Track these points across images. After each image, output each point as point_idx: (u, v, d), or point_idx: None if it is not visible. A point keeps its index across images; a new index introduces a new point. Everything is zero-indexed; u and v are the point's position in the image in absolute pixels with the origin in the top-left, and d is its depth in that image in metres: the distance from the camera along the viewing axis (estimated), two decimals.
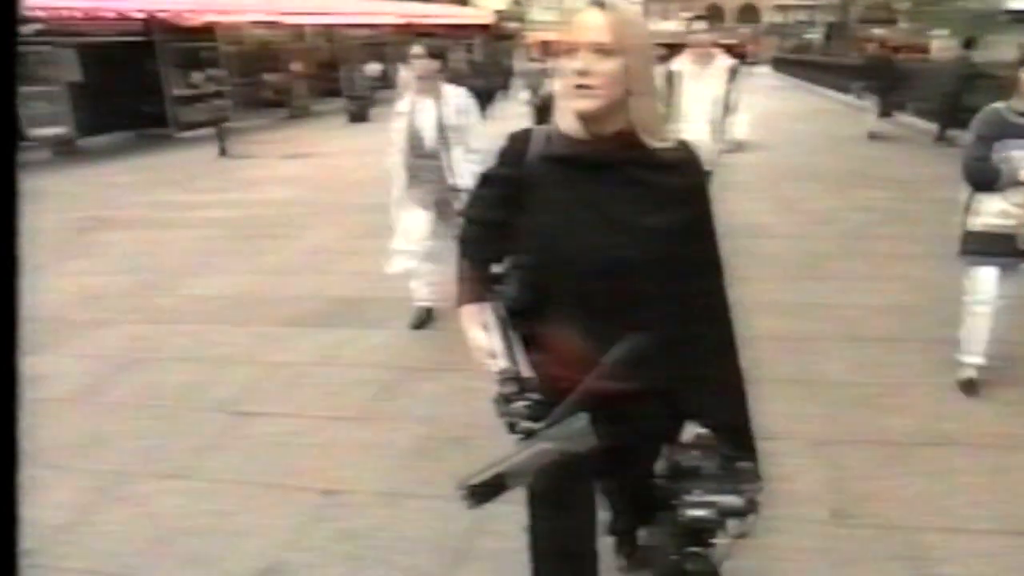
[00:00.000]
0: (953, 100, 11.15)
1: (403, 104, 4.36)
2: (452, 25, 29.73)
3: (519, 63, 23.54)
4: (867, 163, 10.24)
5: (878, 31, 34.75)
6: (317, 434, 3.36)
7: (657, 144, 1.45)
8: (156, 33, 16.58)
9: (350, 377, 3.91)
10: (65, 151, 14.54)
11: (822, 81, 23.27)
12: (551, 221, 1.47)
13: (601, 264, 1.43)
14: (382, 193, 4.72)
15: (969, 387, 3.48)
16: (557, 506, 1.64)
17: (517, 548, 1.79)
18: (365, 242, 6.12)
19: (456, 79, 5.15)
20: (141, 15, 15.80)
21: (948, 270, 3.81)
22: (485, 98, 10.37)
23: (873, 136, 12.36)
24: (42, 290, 5.64)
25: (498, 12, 36.47)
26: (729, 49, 5.83)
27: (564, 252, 1.46)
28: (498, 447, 1.38)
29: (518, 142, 1.57)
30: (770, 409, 3.22)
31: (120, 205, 9.35)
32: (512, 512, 1.70)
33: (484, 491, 1.28)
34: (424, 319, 4.49)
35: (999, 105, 3.33)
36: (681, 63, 5.23)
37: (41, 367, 4.24)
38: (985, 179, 3.28)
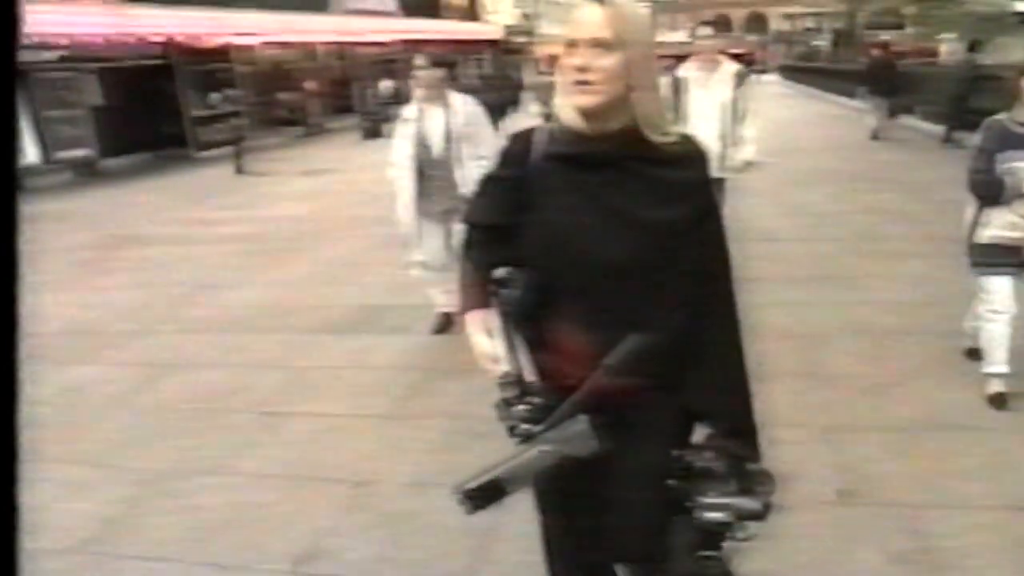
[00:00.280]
0: (959, 103, 11.26)
1: (410, 111, 4.34)
2: (462, 41, 30.15)
3: (529, 76, 23.80)
4: (874, 166, 10.37)
5: (886, 36, 34.85)
6: (348, 431, 3.55)
7: (660, 138, 1.44)
8: (174, 56, 16.99)
9: (376, 379, 4.10)
10: (88, 172, 14.93)
11: (829, 87, 23.39)
12: (557, 219, 1.46)
13: (609, 260, 1.42)
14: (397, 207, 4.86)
15: (998, 401, 3.35)
16: (566, 507, 1.64)
17: None
18: (383, 254, 6.32)
19: (469, 94, 5.25)
20: (160, 39, 16.20)
21: (952, 268, 3.94)
22: (498, 112, 10.58)
23: (875, 138, 12.61)
24: (77, 305, 5.91)
25: (507, 27, 36.89)
26: (737, 58, 5.72)
27: (572, 249, 1.44)
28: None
29: (520, 142, 1.56)
30: (779, 400, 3.42)
31: (145, 223, 9.62)
32: None
33: (482, 496, 1.27)
34: (444, 325, 4.64)
35: (1001, 116, 3.32)
36: (687, 70, 5.16)
37: (82, 375, 4.48)
38: (990, 192, 3.27)
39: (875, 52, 14.56)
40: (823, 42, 43.18)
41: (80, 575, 2.63)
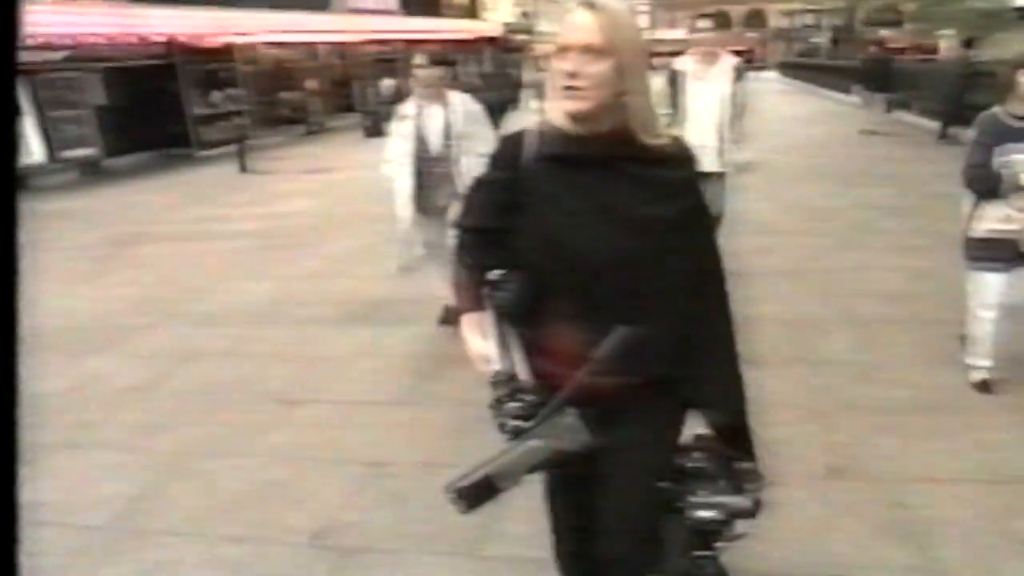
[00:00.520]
0: (955, 99, 11.40)
1: (408, 107, 4.31)
2: (461, 39, 30.26)
3: (528, 74, 23.92)
4: (870, 162, 10.51)
5: (885, 33, 34.97)
6: (360, 417, 3.70)
7: (651, 141, 1.46)
8: (177, 56, 17.11)
9: (387, 367, 4.25)
10: (92, 172, 15.06)
11: (828, 84, 23.51)
12: (550, 219, 1.47)
13: (602, 259, 1.43)
14: None
15: (983, 387, 3.51)
16: (571, 502, 1.70)
17: None
18: (388, 249, 6.44)
19: (470, 91, 5.32)
20: (162, 39, 16.33)
21: (944, 260, 4.11)
22: (498, 110, 10.70)
23: (873, 132, 12.89)
24: (90, 299, 6.06)
25: (507, 25, 37.00)
26: (736, 54, 5.53)
27: (564, 249, 1.45)
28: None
29: (511, 144, 1.56)
30: (774, 384, 3.59)
31: (152, 221, 9.77)
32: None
33: (474, 493, 1.27)
34: (450, 316, 4.74)
35: (996, 109, 3.32)
36: (684, 63, 4.99)
37: (99, 366, 4.63)
38: (986, 185, 3.27)
39: (871, 49, 14.83)
40: (822, 39, 43.30)
41: (110, 550, 2.77)
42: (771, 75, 35.79)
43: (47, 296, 6.11)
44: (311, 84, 21.74)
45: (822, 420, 3.35)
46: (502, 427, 1.37)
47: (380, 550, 2.64)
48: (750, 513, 1.44)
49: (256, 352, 4.68)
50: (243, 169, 14.03)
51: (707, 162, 4.60)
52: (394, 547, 2.65)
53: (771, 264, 5.60)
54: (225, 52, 18.58)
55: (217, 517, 2.94)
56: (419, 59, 4.25)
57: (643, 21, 52.62)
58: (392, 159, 4.35)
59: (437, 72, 4.25)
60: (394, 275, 4.66)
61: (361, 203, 9.52)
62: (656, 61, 7.65)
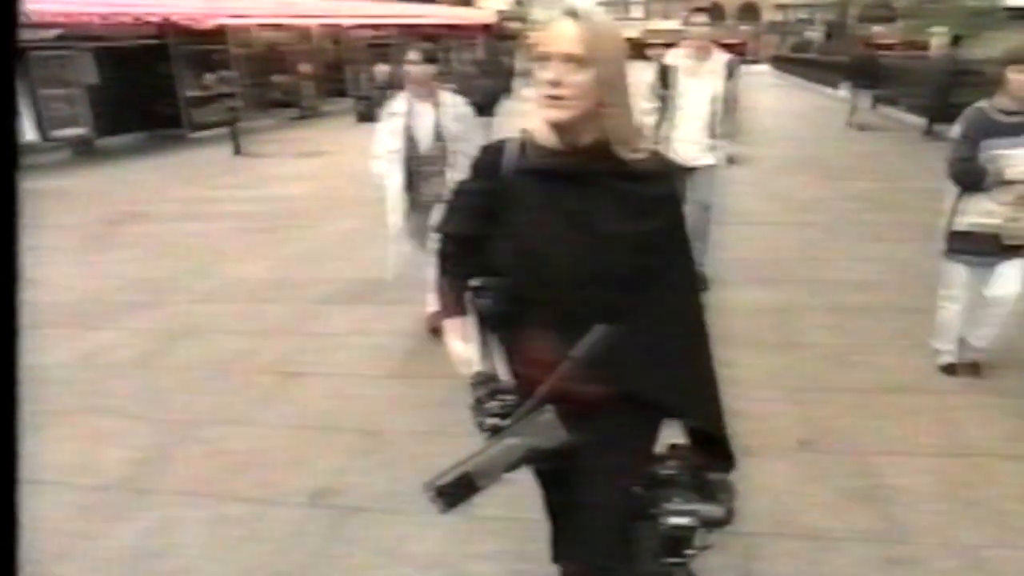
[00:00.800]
0: (941, 96, 11.62)
1: (398, 104, 4.23)
2: (455, 26, 30.24)
3: (521, 63, 23.97)
4: (857, 156, 10.73)
5: (877, 29, 35.20)
6: (357, 389, 3.86)
7: (630, 155, 1.46)
8: (170, 37, 17.08)
9: (382, 343, 4.40)
10: (84, 151, 15.05)
11: (819, 79, 23.73)
12: (527, 231, 1.48)
13: (577, 271, 1.44)
14: None
15: (949, 370, 3.68)
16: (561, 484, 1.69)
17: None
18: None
19: (464, 79, 5.35)
20: (156, 19, 16.29)
21: (923, 251, 4.28)
22: (492, 98, 10.79)
23: (862, 127, 13.27)
24: (90, 276, 6.17)
25: (500, 12, 36.94)
26: (730, 47, 5.46)
27: (541, 260, 1.47)
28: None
29: (492, 154, 1.57)
30: (754, 365, 3.78)
31: (146, 200, 9.82)
32: None
33: (452, 492, 1.27)
34: (438, 324, 4.61)
35: (983, 104, 3.34)
36: (675, 57, 4.84)
37: (102, 339, 4.76)
38: (971, 179, 3.30)
39: (859, 45, 15.21)
40: (816, 34, 43.51)
41: (120, 508, 2.92)
42: (763, 68, 35.94)
43: (47, 272, 6.21)
44: (304, 68, 21.69)
45: (797, 398, 3.53)
46: (480, 426, 1.38)
47: (376, 509, 2.80)
48: (722, 522, 1.45)
49: (254, 328, 4.81)
50: (236, 151, 14.07)
51: (697, 157, 4.76)
52: (389, 507, 2.80)
53: (755, 253, 5.78)
54: (218, 34, 18.54)
55: (221, 479, 3.09)
56: (412, 55, 4.17)
57: (638, 11, 52.63)
58: (381, 156, 4.27)
59: (430, 70, 4.18)
60: (390, 280, 4.56)
61: (355, 187, 9.58)
62: (650, 52, 7.79)
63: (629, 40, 1.83)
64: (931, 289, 3.98)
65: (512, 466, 1.33)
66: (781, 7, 55.27)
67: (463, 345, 1.57)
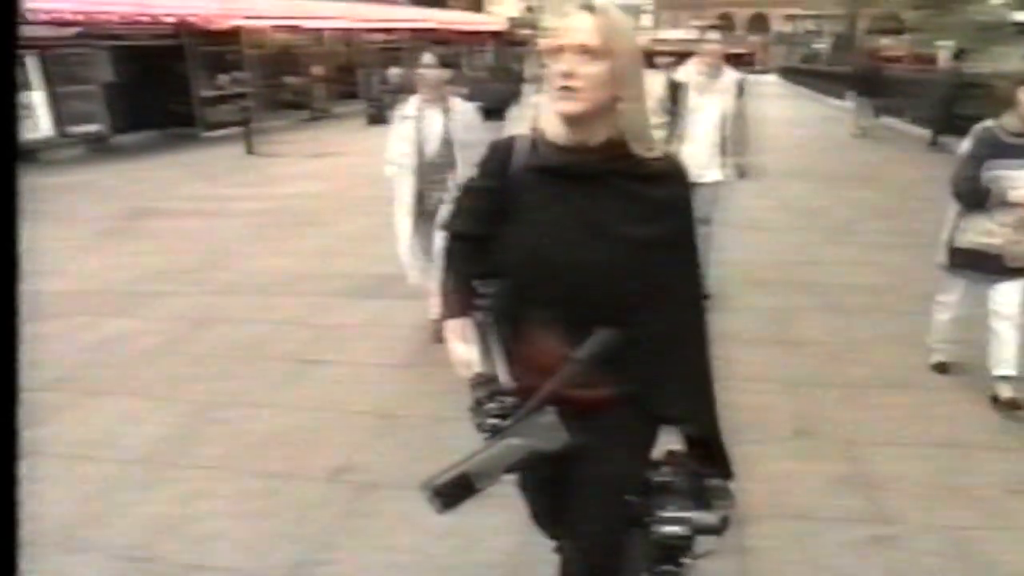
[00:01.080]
0: (945, 108, 11.79)
1: (409, 108, 4.23)
2: (466, 31, 30.52)
3: (530, 69, 24.20)
4: (861, 166, 10.88)
5: (886, 41, 35.34)
6: (371, 376, 4.03)
7: (644, 152, 1.44)
8: (185, 37, 17.36)
9: (395, 335, 4.57)
10: (100, 147, 15.30)
11: (826, 90, 23.89)
12: (534, 231, 1.46)
13: (583, 273, 1.42)
14: None
15: (940, 368, 3.81)
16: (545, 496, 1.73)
17: None
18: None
19: (476, 83, 5.35)
20: (172, 20, 16.56)
21: (920, 258, 4.42)
22: (503, 102, 10.97)
23: (863, 136, 13.69)
24: (108, 267, 6.36)
25: (511, 19, 37.23)
26: (738, 58, 5.47)
27: (546, 261, 1.44)
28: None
29: (501, 152, 1.55)
30: (753, 361, 3.94)
31: (162, 197, 10.03)
32: None
33: (451, 492, 1.25)
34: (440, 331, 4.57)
35: (991, 123, 3.33)
36: (687, 73, 4.85)
37: (124, 326, 4.94)
38: (973, 199, 3.31)
39: (862, 57, 15.60)
40: (824, 45, 43.66)
41: (148, 481, 3.08)
42: (771, 79, 36.17)
43: (68, 263, 6.41)
44: (316, 70, 22.00)
45: (793, 392, 3.69)
46: (480, 426, 1.36)
47: (392, 486, 2.96)
48: (716, 530, 1.43)
49: (272, 318, 4.98)
50: (249, 151, 14.29)
51: (703, 173, 4.62)
52: (405, 483, 2.94)
53: (757, 257, 5.94)
54: (233, 35, 18.82)
55: (243, 456, 3.25)
56: (427, 59, 4.17)
57: (646, 20, 52.85)
58: (393, 160, 4.28)
59: (444, 75, 4.19)
60: (410, 284, 4.52)
61: (367, 187, 9.78)
62: (659, 60, 7.96)
63: None
64: (927, 294, 4.12)
65: (511, 468, 1.32)
66: (790, 18, 55.50)
67: (464, 346, 1.55)
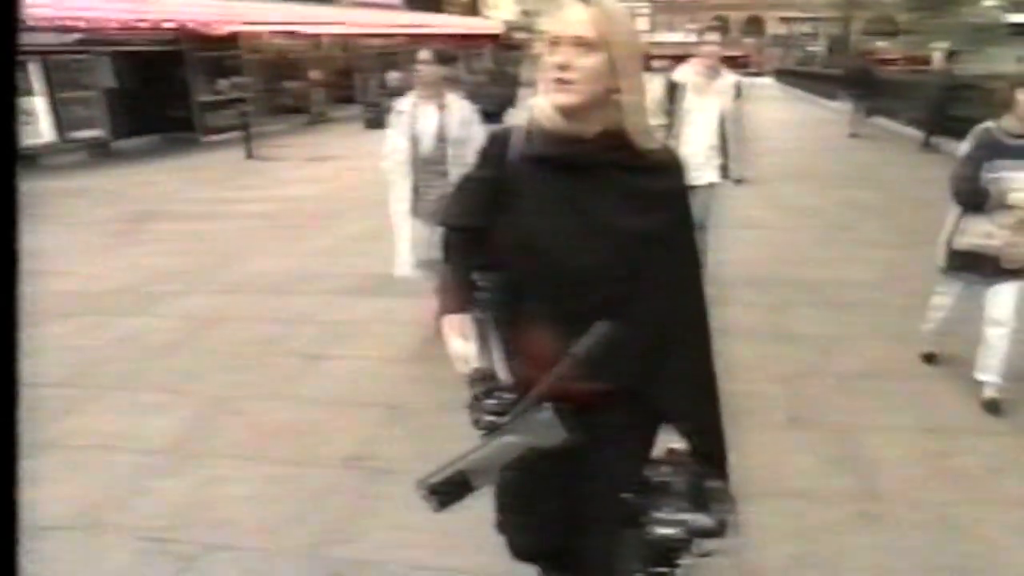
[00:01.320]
0: (938, 109, 11.96)
1: (404, 103, 4.24)
2: (463, 36, 30.68)
3: (526, 73, 24.40)
4: (854, 166, 11.05)
5: (880, 43, 35.64)
6: (379, 370, 4.16)
7: (641, 144, 1.43)
8: (185, 43, 17.49)
9: (401, 331, 4.70)
10: (100, 152, 15.42)
11: (821, 92, 24.08)
12: (530, 222, 1.45)
13: (579, 265, 1.41)
14: None
15: (930, 359, 3.95)
16: (522, 507, 1.73)
17: None
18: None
19: (475, 86, 5.38)
20: (172, 25, 16.70)
21: (911, 256, 4.56)
22: (502, 105, 11.11)
23: (854, 136, 14.04)
24: (117, 269, 6.48)
25: (507, 23, 37.43)
26: (734, 60, 5.45)
27: (542, 252, 1.43)
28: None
29: (498, 143, 1.54)
30: (748, 354, 4.08)
31: (166, 200, 10.15)
32: None
33: (447, 491, 1.24)
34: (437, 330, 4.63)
35: (990, 124, 3.33)
36: (684, 74, 4.86)
37: (136, 325, 5.06)
38: (973, 200, 3.31)
39: (854, 59, 15.99)
40: (819, 47, 43.96)
41: (170, 468, 3.21)
42: (767, 81, 36.37)
43: (77, 265, 6.54)
44: (314, 75, 22.15)
45: (786, 382, 3.83)
46: (477, 423, 1.35)
47: (404, 471, 3.07)
48: (713, 532, 1.40)
49: (279, 316, 5.11)
50: (249, 155, 14.40)
51: (700, 175, 4.67)
52: (416, 469, 3.07)
53: (754, 254, 6.08)
54: (232, 41, 18.95)
55: (259, 445, 3.38)
56: (424, 55, 4.16)
57: (643, 24, 53.09)
58: (389, 155, 4.30)
59: (441, 71, 4.19)
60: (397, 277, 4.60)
61: (367, 189, 9.88)
62: (656, 64, 8.11)
63: None
64: (917, 290, 4.26)
65: (508, 464, 1.29)
66: (785, 21, 55.82)
67: (462, 342, 1.54)
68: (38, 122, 14.51)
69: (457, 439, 1.38)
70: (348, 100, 23.47)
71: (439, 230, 1.66)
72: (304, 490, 3.00)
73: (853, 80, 14.53)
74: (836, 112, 18.78)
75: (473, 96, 4.98)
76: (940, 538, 2.58)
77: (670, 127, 4.80)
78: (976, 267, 3.42)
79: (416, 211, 4.29)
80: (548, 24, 1.40)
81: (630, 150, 1.42)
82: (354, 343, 4.57)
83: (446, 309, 1.61)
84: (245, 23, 18.84)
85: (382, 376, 4.08)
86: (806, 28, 53.18)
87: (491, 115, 8.32)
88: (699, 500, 1.43)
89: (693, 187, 5.08)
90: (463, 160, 3.96)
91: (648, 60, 8.17)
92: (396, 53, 25.74)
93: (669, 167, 1.49)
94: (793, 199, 8.63)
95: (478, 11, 35.53)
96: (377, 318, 4.98)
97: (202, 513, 2.86)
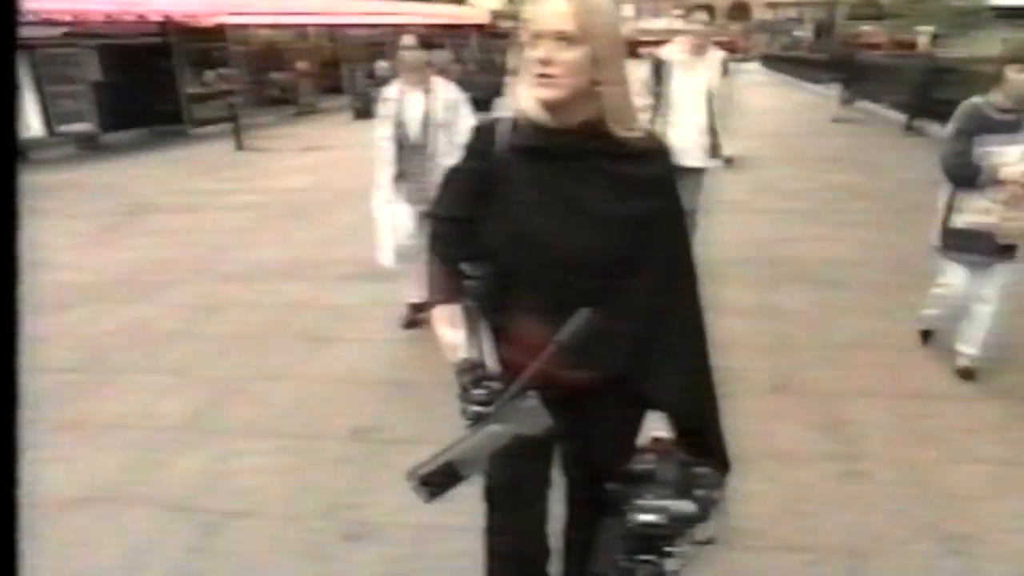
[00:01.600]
0: (920, 93, 12.17)
1: (391, 91, 4.23)
2: (449, 24, 30.67)
3: (513, 61, 24.45)
4: (840, 149, 11.23)
5: (866, 28, 35.83)
6: (382, 350, 4.31)
7: (625, 133, 1.43)
8: (172, 35, 17.46)
9: (399, 312, 4.82)
10: (89, 146, 15.40)
11: (807, 76, 24.23)
12: (518, 211, 1.45)
13: (568, 254, 1.42)
14: None
15: (925, 337, 4.01)
16: (513, 503, 1.72)
17: None
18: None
19: (464, 75, 5.40)
20: (159, 18, 16.66)
21: (894, 236, 4.72)
22: (490, 93, 11.22)
23: (837, 120, 14.19)
24: (114, 260, 6.58)
25: (493, 11, 37.38)
26: (719, 46, 5.45)
27: (530, 242, 1.44)
28: None
29: (485, 134, 1.54)
30: (735, 328, 4.25)
31: (158, 193, 10.21)
32: None
33: (436, 481, 1.24)
34: (413, 318, 4.53)
35: (978, 100, 3.29)
36: (671, 52, 4.81)
37: (139, 313, 5.17)
38: (965, 175, 3.25)
39: (838, 43, 16.26)
40: (805, 32, 44.14)
41: (186, 444, 3.34)
42: (753, 66, 36.49)
43: (75, 256, 6.62)
44: (302, 65, 22.10)
45: (771, 354, 4.01)
46: (464, 413, 1.35)
47: (409, 442, 3.23)
48: (696, 518, 1.41)
49: (279, 303, 5.24)
50: (238, 147, 14.43)
51: (690, 158, 4.59)
52: (421, 440, 3.23)
53: (742, 236, 6.24)
54: (218, 32, 18.92)
55: (270, 421, 3.53)
56: (407, 40, 4.13)
57: (628, 10, 53.08)
58: (377, 142, 4.30)
59: (424, 56, 4.16)
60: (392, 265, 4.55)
61: (358, 179, 9.92)
62: (641, 50, 8.24)
63: None
64: (900, 267, 4.43)
65: (496, 454, 1.29)
66: (771, 6, 55.93)
67: (451, 331, 1.56)
68: (26, 116, 14.48)
69: (459, 414, 1.41)
70: (336, 90, 23.45)
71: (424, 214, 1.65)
72: (316, 461, 3.15)
73: (837, 64, 14.77)
74: (822, 96, 18.97)
75: (461, 84, 5.06)
76: (918, 493, 2.76)
77: (657, 108, 4.76)
78: (972, 246, 3.38)
79: (404, 195, 4.27)
80: (530, 17, 1.40)
81: (614, 138, 1.43)
82: (356, 325, 4.71)
83: (435, 299, 1.64)
84: (231, 14, 18.81)
85: (384, 355, 4.22)
86: (792, 13, 53.34)
87: (479, 104, 8.44)
88: (683, 488, 1.44)
89: (683, 169, 5.21)
90: (449, 144, 3.98)
91: (634, 47, 8.31)
92: (383, 43, 25.72)
93: (655, 154, 1.50)
94: (779, 182, 8.79)
95: (464, 0, 35.46)
96: (375, 301, 5.12)
97: (221, 483, 3.01)
